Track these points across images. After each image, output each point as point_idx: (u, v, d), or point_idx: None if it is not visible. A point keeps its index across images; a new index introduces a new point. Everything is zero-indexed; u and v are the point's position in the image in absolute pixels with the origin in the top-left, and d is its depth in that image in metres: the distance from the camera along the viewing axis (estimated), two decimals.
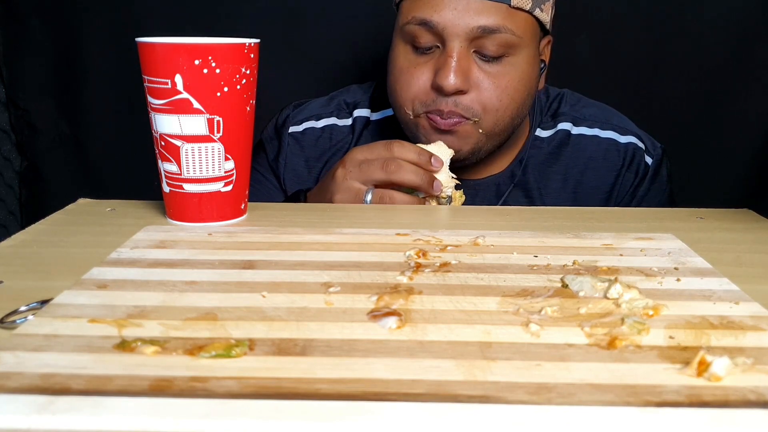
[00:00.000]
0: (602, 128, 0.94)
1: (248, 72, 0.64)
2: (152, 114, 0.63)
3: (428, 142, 0.81)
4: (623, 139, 0.94)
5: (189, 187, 0.64)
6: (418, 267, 0.54)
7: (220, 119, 0.62)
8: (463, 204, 0.81)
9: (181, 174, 0.64)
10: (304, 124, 0.97)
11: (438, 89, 0.80)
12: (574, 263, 0.55)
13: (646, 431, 0.33)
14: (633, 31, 1.25)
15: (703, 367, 0.38)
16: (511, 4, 0.79)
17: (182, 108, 0.61)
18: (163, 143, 0.63)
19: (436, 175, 0.76)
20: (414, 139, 0.85)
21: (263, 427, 0.33)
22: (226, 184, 0.65)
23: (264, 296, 0.47)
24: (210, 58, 0.60)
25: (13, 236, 0.62)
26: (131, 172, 1.23)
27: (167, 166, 0.64)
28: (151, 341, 0.40)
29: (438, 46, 0.81)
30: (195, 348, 0.40)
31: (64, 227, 0.66)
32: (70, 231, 0.65)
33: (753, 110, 1.26)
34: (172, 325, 0.43)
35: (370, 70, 0.97)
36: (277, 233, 0.62)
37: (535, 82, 0.87)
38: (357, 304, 0.46)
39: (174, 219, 0.66)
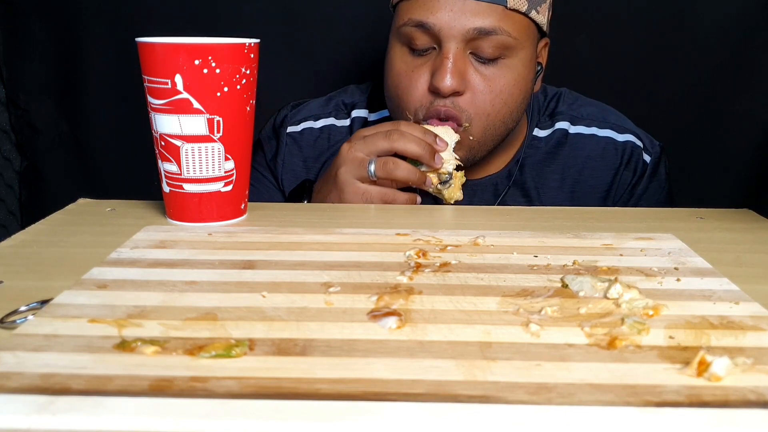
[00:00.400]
0: (600, 127, 0.94)
1: (248, 72, 0.64)
2: (152, 114, 0.63)
3: None
4: (621, 137, 0.94)
5: (189, 187, 0.64)
6: (418, 267, 0.54)
7: (220, 119, 0.62)
8: (459, 200, 0.81)
9: (181, 174, 0.64)
10: (302, 124, 0.97)
11: (435, 91, 0.80)
12: (574, 263, 0.55)
13: (646, 431, 0.33)
14: (633, 31, 1.25)
15: (703, 367, 0.38)
16: (507, 5, 0.79)
17: (182, 108, 0.61)
18: (163, 143, 0.63)
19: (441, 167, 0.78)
20: None
21: (263, 427, 0.33)
22: (226, 184, 0.65)
23: (264, 296, 0.47)
24: (210, 58, 0.60)
25: (13, 236, 0.62)
26: (131, 172, 1.23)
27: (167, 166, 0.64)
28: (151, 341, 0.40)
29: (434, 48, 0.81)
30: (195, 348, 0.40)
31: (64, 227, 0.66)
32: (70, 231, 0.65)
33: (753, 110, 1.26)
34: (172, 325, 0.43)
35: (370, 70, 0.96)
36: (277, 233, 0.62)
37: (531, 85, 0.87)
38: (357, 304, 0.46)
39: (174, 219, 0.66)
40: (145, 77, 0.62)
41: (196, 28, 0.74)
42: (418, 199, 0.80)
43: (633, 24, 1.25)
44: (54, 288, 0.48)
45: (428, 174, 0.78)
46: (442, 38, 0.79)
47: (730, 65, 1.25)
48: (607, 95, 1.02)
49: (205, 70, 0.60)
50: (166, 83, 0.60)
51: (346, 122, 0.97)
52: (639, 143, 0.94)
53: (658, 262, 0.56)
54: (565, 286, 0.50)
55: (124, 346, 0.40)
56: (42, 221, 0.67)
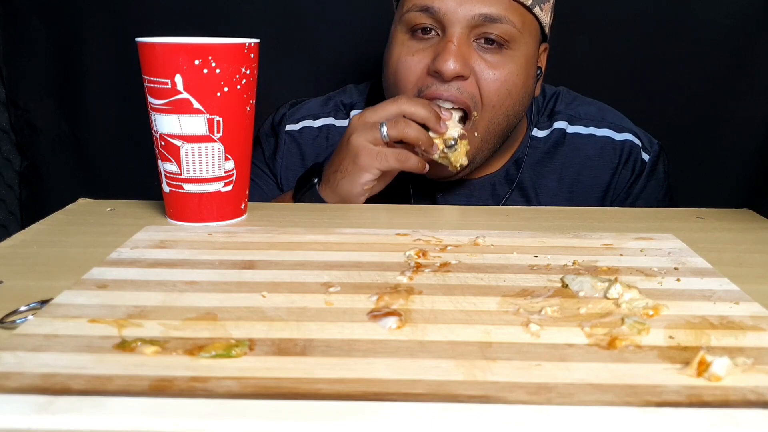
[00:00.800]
0: (598, 126, 0.94)
1: (248, 72, 0.64)
2: (152, 114, 0.63)
3: None
4: (619, 136, 0.94)
5: (189, 187, 0.64)
6: (418, 267, 0.54)
7: (220, 119, 0.62)
8: (464, 165, 0.81)
9: (181, 174, 0.64)
10: (301, 122, 0.97)
11: (436, 74, 0.80)
12: (574, 263, 0.55)
13: (646, 431, 0.33)
14: (633, 31, 1.25)
15: (703, 367, 0.38)
16: None
17: (182, 108, 0.61)
18: (163, 143, 0.63)
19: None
20: None
21: (263, 427, 0.33)
22: (226, 184, 0.65)
23: (264, 296, 0.47)
24: (210, 58, 0.60)
25: (13, 236, 0.62)
26: (131, 172, 1.23)
27: (167, 166, 0.64)
28: (151, 341, 0.40)
29: (438, 34, 0.81)
30: (195, 348, 0.40)
31: (64, 227, 0.66)
32: (70, 231, 0.65)
33: (753, 110, 1.26)
34: (172, 325, 0.43)
35: (370, 70, 0.96)
36: (277, 233, 0.62)
37: (532, 83, 0.87)
38: (357, 304, 0.46)
39: (174, 219, 0.66)
40: (145, 77, 0.62)
41: (196, 28, 0.74)
42: (426, 166, 0.80)
43: (633, 24, 1.25)
44: (54, 288, 0.48)
45: (435, 141, 0.79)
46: (446, 23, 0.79)
47: (730, 65, 1.25)
48: (606, 95, 1.01)
49: (205, 70, 0.60)
50: (166, 83, 0.60)
51: (345, 122, 0.97)
52: (637, 142, 0.94)
53: (658, 262, 0.56)
54: (565, 286, 0.50)
55: (124, 346, 0.40)
56: (42, 221, 0.67)
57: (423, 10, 0.80)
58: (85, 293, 0.47)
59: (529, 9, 0.81)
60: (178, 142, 0.63)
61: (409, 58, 0.82)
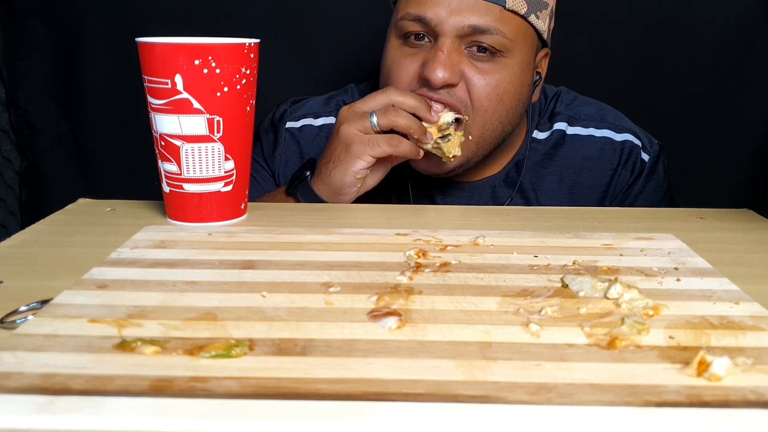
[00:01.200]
0: (598, 127, 0.94)
1: (248, 72, 0.64)
2: (152, 114, 0.63)
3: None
4: (619, 137, 0.94)
5: (189, 187, 0.64)
6: (418, 267, 0.54)
7: (220, 119, 0.62)
8: (457, 156, 0.81)
9: (181, 174, 0.64)
10: (301, 120, 0.97)
11: (426, 82, 0.80)
12: (574, 263, 0.55)
13: (646, 431, 0.33)
14: (633, 31, 1.25)
15: (703, 367, 0.38)
16: (506, 6, 0.79)
17: (182, 108, 0.61)
18: (163, 143, 0.63)
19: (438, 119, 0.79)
20: None
21: (263, 427, 0.33)
22: (226, 184, 0.65)
23: (264, 296, 0.47)
24: (210, 58, 0.60)
25: (13, 236, 0.62)
26: (131, 172, 1.23)
27: (167, 166, 0.64)
28: (151, 341, 0.40)
29: (430, 42, 0.82)
30: (195, 348, 0.40)
31: (64, 227, 0.66)
32: (70, 231, 0.65)
33: (753, 110, 1.26)
34: (172, 325, 0.43)
35: (370, 70, 0.96)
36: (277, 233, 0.62)
37: (527, 90, 0.87)
38: (357, 304, 0.46)
39: (174, 219, 0.66)
40: (145, 77, 0.62)
41: (196, 28, 0.74)
42: (421, 152, 0.80)
43: (633, 24, 1.25)
44: (54, 288, 0.48)
45: (428, 130, 0.79)
46: (437, 32, 0.80)
47: (730, 65, 1.25)
48: (606, 95, 1.01)
49: (205, 70, 0.60)
50: (166, 83, 0.60)
51: None
52: (637, 142, 0.94)
53: (658, 262, 0.56)
54: (565, 286, 0.50)
55: (124, 346, 0.40)
56: (42, 221, 0.67)
57: (416, 19, 0.80)
58: (85, 293, 0.47)
59: (524, 17, 0.81)
60: (178, 142, 0.63)
61: (401, 62, 0.83)
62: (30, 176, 1.43)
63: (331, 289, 0.49)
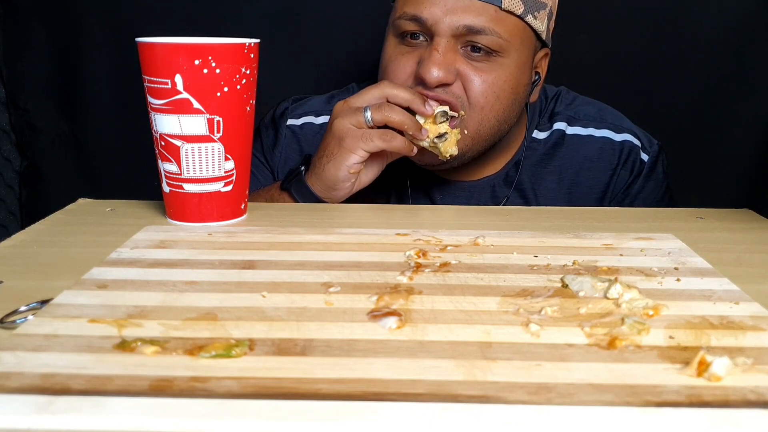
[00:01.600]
0: (597, 127, 0.94)
1: (248, 72, 0.64)
2: (152, 114, 0.63)
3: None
4: (618, 137, 0.94)
5: (189, 187, 0.64)
6: (418, 267, 0.54)
7: (220, 119, 0.62)
8: (454, 155, 0.81)
9: (181, 174, 0.64)
10: (302, 118, 0.97)
11: (420, 80, 0.80)
12: (574, 263, 0.55)
13: (646, 431, 0.33)
14: (633, 31, 1.25)
15: (703, 367, 0.38)
16: (502, 6, 0.79)
17: (182, 108, 0.61)
18: (163, 143, 0.63)
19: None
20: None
21: (263, 427, 0.33)
22: (226, 184, 0.65)
23: (264, 296, 0.47)
24: (210, 58, 0.60)
25: (13, 236, 0.62)
26: (131, 172, 1.23)
27: (167, 166, 0.64)
28: (151, 341, 0.40)
29: (426, 41, 0.82)
30: (195, 348, 0.40)
31: (64, 227, 0.66)
32: (70, 231, 0.65)
33: (753, 110, 1.26)
34: (172, 325, 0.43)
35: (370, 70, 0.96)
36: (277, 233, 0.62)
37: (524, 90, 0.87)
38: (357, 304, 0.46)
39: (174, 219, 0.66)
40: (145, 77, 0.62)
41: (196, 28, 0.74)
42: (415, 149, 0.79)
43: (633, 24, 1.25)
44: (54, 288, 0.48)
45: (424, 126, 0.79)
46: (433, 32, 0.80)
47: (730, 65, 1.25)
48: (606, 95, 1.01)
49: (205, 70, 0.60)
50: (166, 83, 0.60)
51: None
52: (637, 142, 0.94)
53: (658, 262, 0.56)
54: (565, 286, 0.50)
55: (124, 346, 0.40)
56: (42, 221, 0.67)
57: (412, 19, 0.81)
58: (85, 293, 0.47)
59: (520, 18, 0.81)
60: (178, 142, 0.63)
61: (398, 60, 0.83)
62: (30, 176, 1.43)
63: (331, 289, 0.49)
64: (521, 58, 0.83)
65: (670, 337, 0.42)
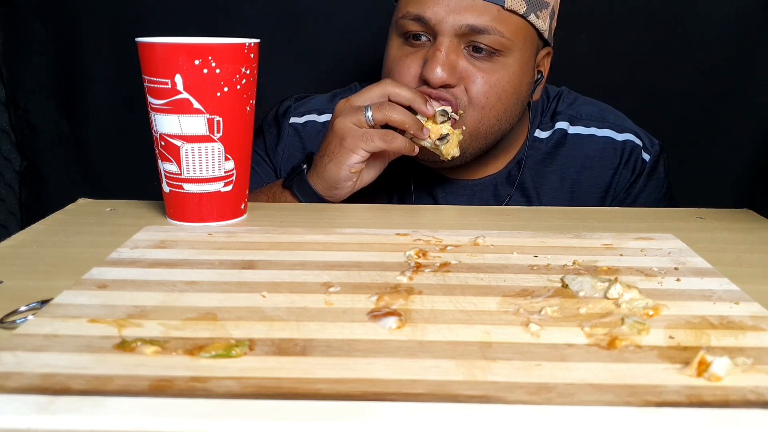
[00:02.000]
0: (599, 127, 0.95)
1: (248, 72, 0.64)
2: (152, 114, 0.63)
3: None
4: (620, 137, 0.94)
5: (189, 187, 0.64)
6: (418, 267, 0.54)
7: (220, 119, 0.62)
8: (455, 156, 0.80)
9: (181, 174, 0.64)
10: (305, 116, 0.98)
11: (425, 81, 0.81)
12: (574, 263, 0.55)
13: (646, 431, 0.33)
14: (633, 30, 1.25)
15: (703, 367, 0.38)
16: (504, 5, 0.79)
17: (182, 108, 0.61)
18: (163, 143, 0.63)
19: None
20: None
21: (263, 427, 0.33)
22: (226, 184, 0.65)
23: (264, 296, 0.47)
24: (210, 58, 0.60)
25: (13, 236, 0.62)
26: (131, 172, 1.23)
27: (167, 166, 0.64)
28: (151, 341, 0.40)
29: (429, 40, 0.82)
30: (195, 348, 0.40)
31: (64, 227, 0.66)
32: (70, 231, 0.65)
33: (753, 110, 1.26)
34: (172, 325, 0.43)
35: (370, 70, 0.97)
36: (277, 233, 0.62)
37: (527, 89, 0.87)
38: (357, 304, 0.46)
39: (174, 219, 0.66)
40: (145, 77, 0.62)
41: (196, 28, 0.75)
42: (416, 148, 0.79)
43: (633, 24, 1.25)
44: (54, 288, 0.48)
45: (425, 125, 0.78)
46: (436, 31, 0.80)
47: (730, 65, 1.25)
48: (606, 95, 1.01)
49: (205, 70, 0.60)
50: (166, 83, 0.60)
51: None
52: (638, 142, 0.94)
53: (658, 262, 0.56)
54: (565, 286, 0.50)
55: (124, 346, 0.40)
56: (42, 221, 0.67)
57: (415, 18, 0.81)
58: (85, 293, 0.47)
59: (523, 17, 0.81)
60: (178, 142, 0.63)
61: (402, 61, 0.83)
62: (30, 176, 1.43)
63: (331, 289, 0.49)
64: (524, 58, 0.83)
65: (670, 337, 0.42)
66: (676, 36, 1.25)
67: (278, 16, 1.28)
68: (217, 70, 0.61)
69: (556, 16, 0.87)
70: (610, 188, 0.94)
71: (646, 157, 0.94)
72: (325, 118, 0.97)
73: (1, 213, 1.45)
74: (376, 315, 0.45)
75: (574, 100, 0.98)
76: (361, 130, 0.77)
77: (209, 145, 0.63)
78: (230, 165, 0.65)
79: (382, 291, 0.49)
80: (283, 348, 0.40)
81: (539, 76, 0.89)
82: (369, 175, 0.81)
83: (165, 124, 0.62)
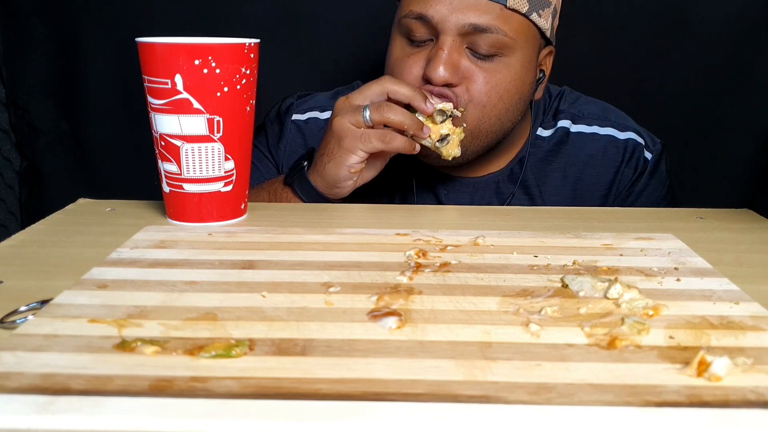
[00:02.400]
0: (601, 125, 0.95)
1: (248, 72, 0.64)
2: (152, 114, 0.63)
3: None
4: (622, 135, 0.94)
5: (189, 187, 0.64)
6: (418, 267, 0.54)
7: (220, 119, 0.62)
8: (457, 156, 0.80)
9: (181, 174, 0.64)
10: (307, 113, 0.98)
11: (428, 80, 0.81)
12: (574, 263, 0.55)
13: (646, 431, 0.33)
14: (633, 30, 1.25)
15: (703, 367, 0.38)
16: (507, 5, 0.79)
17: (182, 108, 0.61)
18: (163, 143, 0.63)
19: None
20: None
21: (263, 427, 0.33)
22: (226, 184, 0.65)
23: (264, 296, 0.47)
24: (210, 58, 0.60)
25: (13, 236, 0.62)
26: (131, 172, 1.23)
27: (167, 166, 0.64)
28: (151, 341, 0.40)
29: (432, 39, 0.82)
30: (195, 348, 0.40)
31: (64, 227, 0.66)
32: (70, 231, 0.65)
33: (753, 110, 1.26)
34: (172, 325, 0.43)
35: (371, 70, 0.97)
36: (277, 233, 0.62)
37: (529, 88, 0.87)
38: (357, 304, 0.46)
39: (174, 219, 0.66)
40: (145, 77, 0.62)
41: (196, 28, 0.74)
42: (417, 147, 0.79)
43: (633, 24, 1.25)
44: (54, 288, 0.48)
45: (426, 124, 0.78)
46: (439, 30, 0.80)
47: (730, 65, 1.25)
48: (607, 95, 1.02)
49: (205, 70, 0.60)
50: (166, 83, 0.60)
51: None
52: (640, 140, 0.94)
53: (658, 262, 0.56)
54: (565, 286, 0.50)
55: (124, 346, 0.40)
56: (42, 221, 0.67)
57: (418, 17, 0.81)
58: (85, 293, 0.47)
59: (525, 16, 0.81)
60: (178, 142, 0.63)
61: (405, 61, 0.83)
62: (30, 176, 1.43)
63: (331, 289, 0.49)
64: (526, 57, 0.83)
65: (670, 337, 0.42)
66: (676, 36, 1.25)
67: (278, 16, 1.28)
68: (217, 70, 0.61)
69: (558, 15, 0.87)
70: (612, 186, 0.94)
71: (648, 155, 0.94)
72: (327, 114, 0.97)
73: (1, 213, 1.45)
74: (376, 315, 0.45)
75: (576, 99, 0.98)
76: (359, 131, 0.77)
77: (209, 145, 0.63)
78: (230, 165, 0.65)
79: (382, 291, 0.49)
80: (283, 348, 0.40)
81: (541, 75, 0.89)
82: (369, 173, 0.81)
83: (165, 124, 0.62)
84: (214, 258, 0.55)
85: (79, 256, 0.56)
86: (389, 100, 0.77)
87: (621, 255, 0.58)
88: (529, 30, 0.83)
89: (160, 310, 0.45)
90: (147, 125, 0.64)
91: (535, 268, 0.54)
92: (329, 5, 1.28)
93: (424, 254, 0.57)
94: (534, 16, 0.82)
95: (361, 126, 0.77)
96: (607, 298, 0.48)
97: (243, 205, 0.68)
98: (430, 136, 0.78)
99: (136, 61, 0.62)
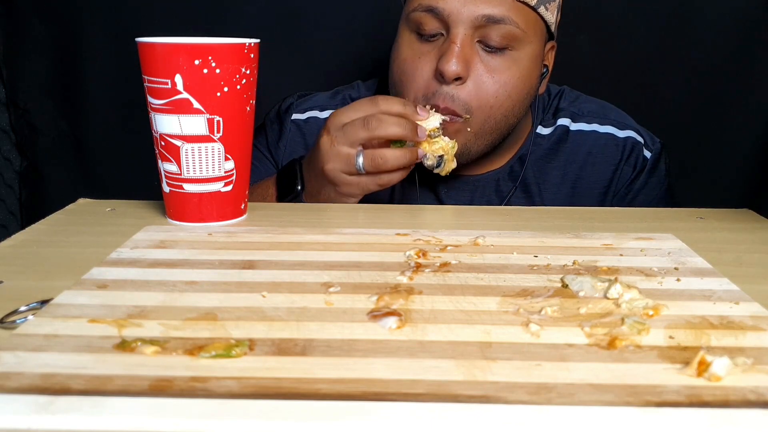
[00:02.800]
0: (601, 123, 0.95)
1: (248, 72, 0.64)
2: (152, 114, 0.63)
3: None
4: (622, 133, 0.95)
5: (189, 187, 0.64)
6: (418, 267, 0.54)
7: (220, 119, 0.62)
8: (453, 168, 0.80)
9: (181, 174, 0.64)
10: (307, 113, 0.98)
11: (440, 75, 0.80)
12: (574, 263, 0.55)
13: (646, 431, 0.33)
14: (633, 30, 1.25)
15: (703, 367, 0.38)
16: None
17: (182, 108, 0.61)
18: (163, 143, 0.63)
19: (424, 124, 0.76)
20: None
21: (263, 427, 0.33)
22: (226, 184, 0.65)
23: (264, 296, 0.47)
24: (210, 58, 0.60)
25: (13, 236, 0.62)
26: (131, 172, 1.23)
27: (167, 166, 0.64)
28: (151, 341, 0.40)
29: (442, 34, 0.82)
30: (195, 348, 0.40)
31: (64, 227, 0.66)
32: (70, 231, 0.65)
33: (753, 110, 1.26)
34: (172, 325, 0.43)
35: (371, 70, 0.97)
36: (277, 233, 0.62)
37: (536, 83, 0.87)
38: (357, 304, 0.46)
39: (174, 219, 0.66)
40: (145, 77, 0.62)
41: (196, 28, 0.74)
42: (405, 174, 0.78)
43: (633, 23, 1.25)
44: (54, 288, 0.48)
45: (421, 146, 0.77)
46: (450, 23, 0.79)
47: (730, 65, 1.25)
48: (607, 95, 1.02)
49: (205, 70, 0.60)
50: (166, 83, 0.60)
51: None
52: (640, 139, 0.95)
53: (658, 262, 0.56)
54: (565, 286, 0.50)
55: (124, 346, 0.40)
56: (42, 221, 0.67)
57: (428, 10, 0.80)
58: (85, 293, 0.47)
59: (533, 9, 0.81)
60: (178, 142, 0.63)
61: (416, 61, 0.83)
62: (30, 176, 1.43)
63: (331, 289, 0.49)
64: (534, 51, 0.84)
65: (670, 337, 0.42)
66: (676, 36, 1.25)
67: (278, 16, 1.28)
68: (217, 70, 0.61)
69: (560, 11, 0.87)
70: (611, 184, 0.94)
71: (647, 154, 0.94)
72: (327, 114, 0.97)
73: (1, 213, 1.45)
74: (376, 315, 0.45)
75: (576, 97, 0.98)
76: (354, 179, 0.76)
77: (209, 145, 0.63)
78: (230, 165, 0.65)
79: (382, 291, 0.49)
80: (283, 348, 0.40)
81: (545, 69, 0.89)
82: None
83: (165, 124, 0.62)
84: (214, 258, 0.55)
85: (79, 256, 0.56)
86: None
87: (621, 255, 0.58)
88: (537, 23, 0.83)
89: (160, 310, 0.45)
90: (147, 125, 0.64)
91: (535, 268, 0.54)
92: (329, 5, 1.28)
93: (424, 254, 0.57)
94: (541, 9, 0.82)
95: (354, 174, 0.76)
96: (607, 298, 0.48)
97: (243, 205, 0.68)
98: (425, 156, 0.78)
99: (136, 61, 0.62)
